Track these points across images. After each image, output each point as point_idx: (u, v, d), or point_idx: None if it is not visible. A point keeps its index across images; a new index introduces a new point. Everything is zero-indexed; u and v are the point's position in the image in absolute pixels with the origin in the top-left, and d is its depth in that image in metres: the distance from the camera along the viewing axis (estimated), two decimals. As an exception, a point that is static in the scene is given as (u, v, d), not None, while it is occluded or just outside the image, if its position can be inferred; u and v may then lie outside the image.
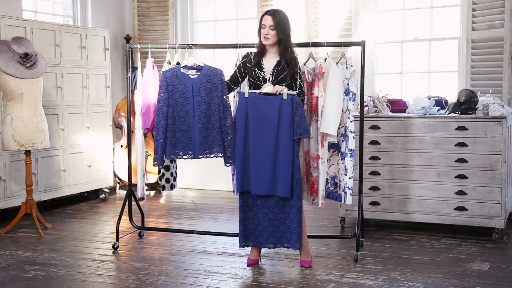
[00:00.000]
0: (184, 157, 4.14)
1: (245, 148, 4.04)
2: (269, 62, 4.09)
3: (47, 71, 5.56)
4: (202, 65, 4.06)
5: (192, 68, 4.07)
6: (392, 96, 5.38)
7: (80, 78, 6.23)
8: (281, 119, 3.95)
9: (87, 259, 4.39)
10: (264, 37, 4.01)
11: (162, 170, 4.72)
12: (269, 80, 4.04)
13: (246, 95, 4.01)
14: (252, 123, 4.00)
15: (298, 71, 4.09)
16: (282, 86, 3.99)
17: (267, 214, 4.10)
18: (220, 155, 4.11)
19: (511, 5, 5.41)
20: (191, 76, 4.04)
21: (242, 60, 4.19)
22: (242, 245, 4.19)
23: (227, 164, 4.16)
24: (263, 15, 4.05)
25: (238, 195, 4.17)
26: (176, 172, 4.85)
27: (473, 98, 4.80)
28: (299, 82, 4.09)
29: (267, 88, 4.00)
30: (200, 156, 4.09)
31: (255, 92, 4.02)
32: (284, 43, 4.01)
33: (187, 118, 4.06)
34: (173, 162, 4.78)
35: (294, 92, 3.99)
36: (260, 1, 6.73)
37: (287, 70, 4.04)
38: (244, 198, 4.14)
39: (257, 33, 4.10)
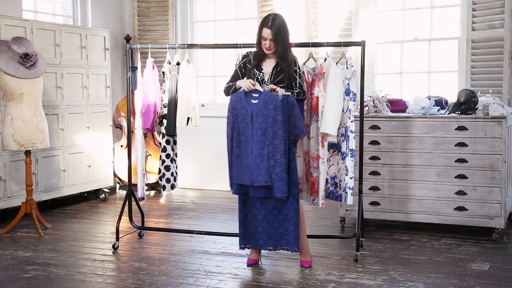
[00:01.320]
0: (245, 183, 3.98)
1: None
2: (268, 63, 4.10)
3: (47, 71, 5.56)
4: (262, 90, 3.97)
5: (255, 92, 3.98)
6: (392, 96, 5.38)
7: (80, 78, 6.23)
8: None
9: (87, 259, 4.39)
10: (266, 49, 4.04)
11: (163, 170, 4.72)
12: (268, 81, 4.05)
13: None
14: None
15: (298, 70, 4.10)
16: (278, 86, 3.99)
17: (266, 216, 4.10)
18: (265, 183, 3.92)
19: (511, 5, 5.41)
20: (253, 101, 3.97)
21: (242, 60, 4.20)
22: (242, 247, 4.19)
23: (278, 195, 3.93)
24: (262, 27, 4.03)
25: (238, 197, 4.17)
26: (176, 172, 4.85)
27: (473, 98, 4.80)
28: (299, 81, 4.09)
29: (263, 89, 4.00)
30: (255, 184, 3.94)
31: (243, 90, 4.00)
32: (281, 50, 4.03)
33: (247, 143, 3.99)
34: (174, 162, 4.78)
35: (289, 93, 3.99)
36: (260, 1, 6.73)
37: (286, 72, 4.04)
38: (244, 200, 4.14)
39: (256, 39, 4.10)
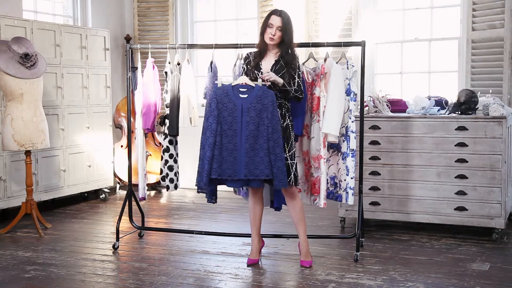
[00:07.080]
0: (229, 177, 3.97)
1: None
2: (267, 62, 4.10)
3: (47, 71, 5.56)
4: (253, 86, 3.97)
5: (242, 87, 3.97)
6: (392, 96, 5.38)
7: (80, 78, 6.23)
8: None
9: (87, 259, 4.39)
10: (270, 38, 4.02)
11: (166, 170, 4.71)
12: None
13: (219, 85, 4.00)
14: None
15: (297, 71, 4.08)
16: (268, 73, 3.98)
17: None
18: (266, 177, 3.93)
19: (511, 5, 5.41)
20: (241, 96, 3.96)
21: (244, 63, 4.19)
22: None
23: (277, 188, 3.99)
24: (270, 15, 4.04)
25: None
26: (178, 172, 4.84)
27: (473, 98, 4.80)
28: (298, 81, 4.06)
29: (241, 79, 3.98)
30: (244, 177, 3.94)
31: (230, 84, 3.99)
32: (287, 45, 4.03)
33: (234, 137, 3.96)
34: (176, 162, 4.77)
35: (265, 83, 3.96)
36: (260, 1, 6.74)
37: (285, 69, 4.03)
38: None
39: (259, 33, 4.11)
